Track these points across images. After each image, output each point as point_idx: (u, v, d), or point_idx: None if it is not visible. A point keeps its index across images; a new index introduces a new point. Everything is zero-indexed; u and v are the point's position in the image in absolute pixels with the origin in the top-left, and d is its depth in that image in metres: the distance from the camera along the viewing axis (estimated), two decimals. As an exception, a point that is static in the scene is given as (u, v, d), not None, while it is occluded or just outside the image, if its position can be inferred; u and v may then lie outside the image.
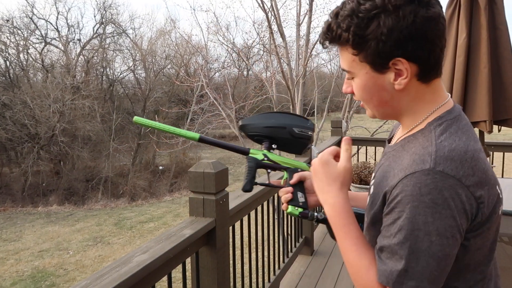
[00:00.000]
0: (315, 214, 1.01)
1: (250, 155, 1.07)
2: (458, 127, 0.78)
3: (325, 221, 0.99)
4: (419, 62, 0.76)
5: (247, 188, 1.04)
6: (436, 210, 0.68)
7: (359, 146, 5.79)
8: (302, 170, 1.08)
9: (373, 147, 4.95)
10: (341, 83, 14.69)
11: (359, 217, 0.95)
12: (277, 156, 1.08)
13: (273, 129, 1.05)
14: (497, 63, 2.74)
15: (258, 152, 1.08)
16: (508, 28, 2.74)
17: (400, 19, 0.72)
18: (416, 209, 0.69)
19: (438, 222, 0.68)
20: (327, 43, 0.83)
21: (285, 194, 1.02)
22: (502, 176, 4.00)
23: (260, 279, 2.54)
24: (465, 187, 0.70)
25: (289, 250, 3.16)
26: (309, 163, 1.08)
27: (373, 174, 0.94)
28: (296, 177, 1.04)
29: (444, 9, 3.03)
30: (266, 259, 2.63)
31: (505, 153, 3.96)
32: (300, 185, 1.04)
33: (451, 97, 0.87)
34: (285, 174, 1.08)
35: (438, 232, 0.69)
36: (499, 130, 2.84)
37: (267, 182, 1.12)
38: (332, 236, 0.92)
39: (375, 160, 4.84)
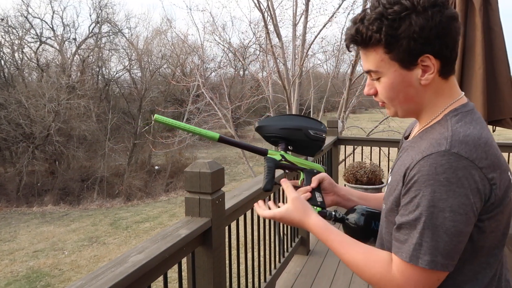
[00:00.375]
0: (333, 212, 1.05)
1: (268, 155, 1.09)
2: (472, 118, 0.84)
3: (343, 220, 1.04)
4: (443, 58, 0.83)
5: (268, 188, 1.06)
6: (450, 188, 0.73)
7: (355, 146, 5.81)
8: (318, 171, 1.11)
9: (369, 147, 4.97)
10: (337, 83, 14.75)
11: (375, 216, 1.00)
12: (294, 157, 1.10)
13: (290, 131, 1.08)
14: (491, 64, 2.76)
15: (276, 153, 1.10)
16: (502, 29, 2.76)
17: (429, 19, 0.79)
18: (432, 187, 0.74)
19: (452, 199, 0.73)
20: (353, 45, 0.88)
21: (304, 193, 1.06)
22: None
23: (256, 279, 2.54)
24: (478, 169, 0.74)
25: (285, 250, 3.17)
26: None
27: (391, 170, 0.98)
28: (315, 181, 1.08)
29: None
30: (262, 259, 2.63)
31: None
32: (317, 187, 1.08)
33: None
34: (301, 175, 1.11)
35: (452, 209, 0.73)
36: (493, 130, 2.86)
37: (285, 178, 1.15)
38: (356, 238, 0.97)
39: (370, 160, 4.85)
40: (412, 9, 0.79)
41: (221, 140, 1.08)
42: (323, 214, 1.04)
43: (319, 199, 1.06)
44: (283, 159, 1.09)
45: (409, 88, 0.85)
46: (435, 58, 0.82)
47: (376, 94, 0.90)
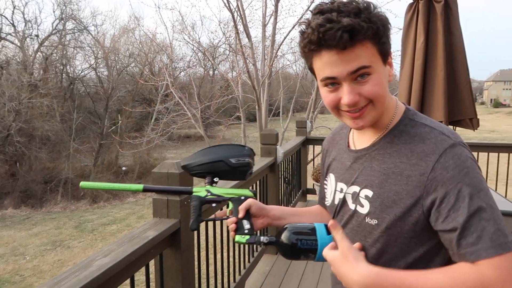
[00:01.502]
0: (261, 238, 1.02)
1: (193, 193, 1.10)
2: (423, 115, 0.91)
3: (272, 243, 1.01)
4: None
5: (193, 227, 1.06)
6: (476, 170, 0.78)
7: (324, 146, 5.90)
8: (246, 197, 1.10)
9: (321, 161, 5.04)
10: (306, 84, 14.94)
11: (303, 233, 0.95)
12: (220, 189, 1.10)
13: (211, 165, 1.09)
14: (452, 66, 2.87)
15: (201, 189, 1.10)
16: (462, 33, 2.88)
17: (385, 17, 0.84)
18: (468, 175, 0.76)
19: (482, 179, 0.78)
20: (341, 43, 0.78)
21: (230, 224, 1.05)
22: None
23: (225, 280, 2.53)
24: (472, 154, 0.81)
25: (255, 250, 3.18)
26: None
27: (342, 181, 0.95)
28: (242, 210, 1.06)
29: (403, 14, 3.15)
30: (231, 259, 2.63)
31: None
32: (246, 215, 1.07)
33: (410, 98, 0.95)
34: (230, 205, 1.10)
35: (486, 187, 0.78)
36: (454, 130, 2.98)
37: (212, 216, 1.16)
38: (284, 255, 0.95)
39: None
40: (384, 16, 0.83)
41: (146, 189, 1.11)
42: (251, 241, 1.03)
43: (246, 226, 1.04)
44: (208, 194, 1.09)
45: (387, 85, 0.86)
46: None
47: (359, 100, 0.82)
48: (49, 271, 9.19)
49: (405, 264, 0.85)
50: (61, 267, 9.33)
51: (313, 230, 0.96)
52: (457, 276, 0.74)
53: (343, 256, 0.82)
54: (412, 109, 0.91)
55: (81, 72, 24.24)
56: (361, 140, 0.95)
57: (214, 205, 1.12)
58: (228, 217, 1.08)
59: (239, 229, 1.04)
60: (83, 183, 1.06)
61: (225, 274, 2.52)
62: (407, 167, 0.81)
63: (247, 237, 1.03)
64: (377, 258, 0.88)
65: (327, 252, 0.88)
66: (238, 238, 1.04)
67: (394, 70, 0.89)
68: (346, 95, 0.82)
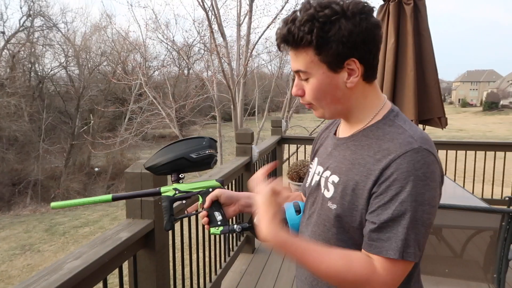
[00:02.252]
0: (235, 227, 1.06)
1: (162, 194, 1.10)
2: (406, 118, 0.91)
3: (245, 229, 1.05)
4: (366, 63, 0.87)
5: (168, 228, 1.08)
6: (426, 182, 0.77)
7: (298, 145, 5.95)
8: (214, 188, 1.11)
9: (312, 146, 5.10)
10: (281, 83, 15.03)
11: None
12: (187, 185, 1.11)
13: (173, 163, 1.09)
14: (421, 67, 2.96)
15: (168, 188, 1.11)
16: (430, 35, 2.97)
17: (357, 25, 0.82)
18: (413, 183, 0.77)
19: (428, 193, 0.78)
20: (283, 45, 0.88)
21: (203, 218, 1.07)
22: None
23: (201, 280, 2.51)
24: (438, 163, 0.81)
25: (231, 249, 3.17)
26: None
27: (321, 165, 0.99)
28: (208, 201, 1.08)
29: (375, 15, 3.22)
30: (207, 259, 2.61)
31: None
32: (215, 205, 1.08)
33: None
34: (200, 199, 1.11)
35: (429, 202, 0.78)
36: (423, 129, 3.07)
37: (184, 213, 1.16)
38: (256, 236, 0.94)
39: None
40: (341, 14, 0.82)
41: (115, 199, 1.10)
42: (225, 231, 1.06)
43: (218, 218, 1.07)
44: (176, 192, 1.10)
45: (336, 90, 0.88)
46: (359, 63, 0.86)
47: (303, 95, 0.92)
48: (18, 276, 8.89)
49: None
50: (30, 271, 9.04)
51: (283, 213, 1.01)
52: (351, 262, 0.81)
53: (266, 206, 0.88)
54: (397, 111, 0.92)
55: (51, 70, 23.54)
56: (344, 130, 0.99)
57: (184, 201, 1.14)
58: (199, 212, 1.10)
59: (212, 222, 1.07)
60: (53, 204, 1.07)
61: (201, 274, 2.50)
62: (371, 161, 0.84)
63: (221, 228, 1.06)
64: (330, 242, 0.92)
65: (258, 198, 0.92)
66: (212, 230, 1.07)
67: (358, 76, 0.87)
68: (293, 87, 0.93)
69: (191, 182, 1.12)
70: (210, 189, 1.11)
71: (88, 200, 1.08)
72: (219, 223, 1.06)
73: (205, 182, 1.12)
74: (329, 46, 0.83)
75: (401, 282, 0.81)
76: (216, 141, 1.15)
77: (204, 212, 1.08)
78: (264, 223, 0.86)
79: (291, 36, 0.85)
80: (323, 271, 0.82)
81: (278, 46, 0.90)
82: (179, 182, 1.12)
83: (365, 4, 0.85)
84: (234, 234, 3.29)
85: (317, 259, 0.82)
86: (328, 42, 0.83)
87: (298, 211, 1.02)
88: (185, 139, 1.11)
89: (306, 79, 0.89)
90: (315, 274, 0.84)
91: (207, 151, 1.10)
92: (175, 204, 1.13)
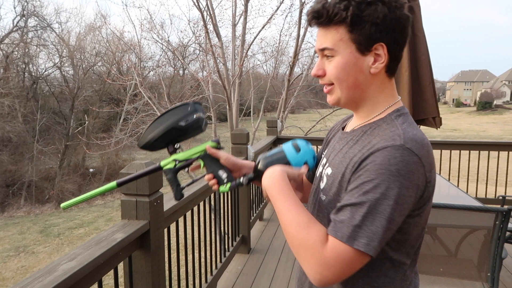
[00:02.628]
0: (241, 180, 1.09)
1: (164, 169, 1.11)
2: (412, 121, 0.90)
3: (252, 179, 1.09)
4: (392, 53, 0.87)
5: (178, 197, 1.11)
6: (398, 179, 0.77)
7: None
8: (212, 148, 1.13)
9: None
10: (276, 84, 15.04)
11: (277, 160, 1.05)
12: (184, 153, 1.12)
13: (165, 135, 1.09)
14: (416, 67, 2.97)
15: (168, 161, 1.11)
16: (425, 35, 2.99)
17: (391, 11, 0.84)
18: (383, 176, 0.77)
19: (397, 189, 0.77)
20: (316, 21, 0.89)
21: (209, 180, 1.10)
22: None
23: (197, 280, 2.51)
24: (423, 166, 0.79)
25: (226, 249, 3.17)
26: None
27: (325, 157, 1.01)
28: (215, 155, 1.10)
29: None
30: (203, 259, 2.61)
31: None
32: (217, 164, 1.11)
33: None
34: (201, 163, 1.12)
35: (396, 198, 0.77)
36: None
37: (191, 180, 1.19)
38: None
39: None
40: (380, 0, 0.84)
41: (119, 184, 1.11)
42: (233, 186, 1.09)
43: (223, 175, 1.10)
44: (177, 162, 1.11)
45: (359, 74, 0.88)
46: (387, 50, 0.86)
47: (323, 75, 0.91)
48: (12, 278, 8.83)
49: None
50: (25, 273, 8.99)
51: (282, 153, 1.05)
52: (312, 225, 0.83)
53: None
54: (402, 112, 0.91)
55: (45, 71, 23.42)
56: (350, 125, 1.01)
57: (186, 170, 1.14)
58: (203, 175, 1.13)
59: (219, 181, 1.10)
60: (63, 205, 1.07)
61: (197, 274, 2.50)
62: (358, 155, 0.85)
63: (228, 184, 1.09)
64: None
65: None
66: (221, 188, 1.10)
67: (384, 63, 0.87)
68: (314, 67, 0.93)
69: (188, 150, 1.13)
70: (207, 146, 1.13)
71: (94, 192, 1.08)
72: (225, 180, 1.09)
73: (202, 146, 1.13)
74: (362, 25, 0.84)
75: (349, 271, 0.79)
76: (201, 104, 1.14)
77: (210, 175, 1.10)
78: (273, 169, 0.95)
79: (326, 12, 0.85)
80: (288, 218, 0.85)
81: (309, 22, 0.90)
82: (176, 153, 1.12)
83: None
84: (230, 235, 3.28)
85: (290, 206, 0.87)
86: (362, 21, 0.83)
87: (297, 149, 1.05)
88: (169, 110, 1.10)
89: (331, 57, 0.89)
90: (281, 218, 0.87)
91: (194, 116, 1.09)
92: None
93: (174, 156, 1.11)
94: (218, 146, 1.13)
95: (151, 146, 1.10)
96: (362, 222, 0.77)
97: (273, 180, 0.93)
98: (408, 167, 0.77)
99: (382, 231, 0.76)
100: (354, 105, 0.94)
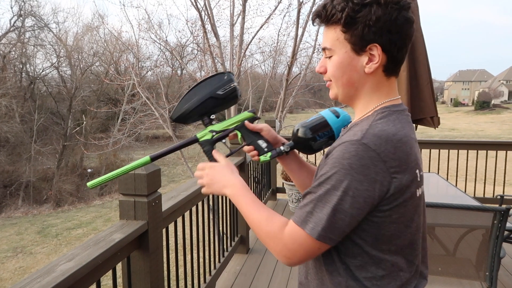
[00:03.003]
0: (282, 148, 1.10)
1: (200, 140, 1.09)
2: (397, 117, 0.90)
3: (293, 147, 1.11)
4: (389, 55, 0.89)
5: None
6: (349, 172, 0.80)
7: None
8: (249, 120, 1.12)
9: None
10: (274, 83, 15.05)
11: (316, 128, 1.08)
12: (221, 123, 1.11)
13: (201, 106, 1.06)
14: (414, 67, 2.97)
15: (205, 132, 1.10)
16: (423, 35, 2.99)
17: (386, 13, 0.86)
18: (335, 169, 0.82)
19: (348, 182, 0.80)
20: (317, 20, 0.95)
21: (248, 151, 1.11)
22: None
23: (196, 281, 2.51)
24: (382, 161, 0.81)
25: (225, 250, 3.17)
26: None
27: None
28: (253, 128, 1.11)
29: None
30: (201, 259, 2.61)
31: (422, 150, 4.32)
32: (255, 135, 1.11)
33: None
34: (238, 134, 1.12)
35: (345, 190, 0.81)
36: (415, 129, 3.08)
37: (229, 152, 1.18)
38: (306, 152, 1.09)
39: (307, 158, 5.01)
40: (375, 1, 0.86)
41: (154, 158, 1.08)
42: (275, 155, 1.10)
43: (263, 145, 1.10)
44: (214, 133, 1.09)
45: (354, 73, 0.92)
46: (382, 51, 0.88)
47: (325, 72, 0.97)
48: (10, 279, 8.80)
49: None
50: (22, 274, 8.96)
51: (323, 118, 1.07)
52: (275, 219, 0.93)
53: (227, 164, 1.06)
54: (391, 109, 0.92)
55: (42, 71, 23.36)
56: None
57: (224, 141, 1.13)
58: (242, 146, 1.13)
59: (259, 151, 1.10)
60: (90, 183, 1.05)
61: (195, 275, 2.50)
62: (329, 149, 0.90)
63: (269, 154, 1.10)
64: None
65: (217, 155, 1.08)
66: (262, 158, 1.11)
67: (378, 63, 0.89)
68: (318, 64, 0.99)
69: (224, 121, 1.11)
70: (246, 121, 1.11)
71: (126, 168, 1.07)
72: (265, 149, 1.09)
73: (238, 116, 1.11)
74: (355, 26, 0.87)
75: (305, 253, 0.86)
76: (233, 74, 1.12)
77: (250, 147, 1.11)
78: (232, 171, 1.04)
79: (324, 12, 0.91)
80: (250, 218, 0.96)
81: (313, 20, 0.96)
82: (212, 124, 1.10)
83: None
84: (229, 235, 3.28)
85: (252, 207, 0.97)
86: (355, 22, 0.87)
87: (337, 115, 1.07)
88: (204, 80, 1.08)
89: (330, 57, 0.94)
90: (247, 220, 0.98)
91: (231, 85, 1.09)
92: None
93: (211, 127, 1.09)
94: (255, 117, 1.12)
95: (186, 118, 1.08)
96: (313, 208, 0.84)
97: (233, 187, 1.02)
98: (361, 162, 0.80)
99: (326, 218, 0.82)
100: (351, 102, 0.98)
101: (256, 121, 1.15)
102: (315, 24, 0.97)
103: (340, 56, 0.91)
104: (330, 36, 0.92)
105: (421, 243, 1.00)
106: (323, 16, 0.92)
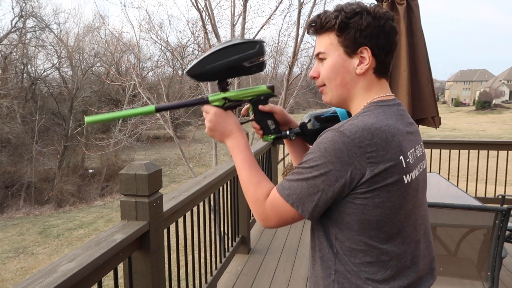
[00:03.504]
0: (287, 133, 1.12)
1: (211, 104, 1.07)
2: (383, 110, 0.96)
3: (299, 134, 1.13)
4: (378, 58, 0.98)
5: None
6: (324, 155, 0.89)
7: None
8: (265, 96, 1.10)
9: (306, 146, 5.11)
10: (275, 83, 15.06)
11: (328, 119, 1.12)
12: (236, 92, 1.07)
13: (224, 71, 1.03)
14: (414, 66, 2.97)
15: (218, 97, 1.07)
16: (423, 34, 2.99)
17: (376, 20, 0.96)
18: (314, 153, 0.91)
19: (321, 162, 0.89)
20: (312, 29, 1.03)
21: (255, 128, 1.15)
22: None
23: (197, 281, 2.51)
24: (357, 147, 0.87)
25: (226, 250, 3.17)
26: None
27: None
28: (266, 108, 1.12)
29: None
30: (203, 260, 2.61)
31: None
32: (267, 113, 1.11)
33: None
34: (250, 107, 1.10)
35: (318, 168, 0.90)
36: (417, 129, 3.08)
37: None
38: (307, 141, 1.15)
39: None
40: (365, 10, 0.97)
41: (158, 110, 1.06)
42: (279, 137, 1.12)
43: (272, 126, 1.10)
44: (226, 101, 1.06)
45: (346, 74, 0.99)
46: (372, 54, 0.97)
47: (318, 77, 1.03)
48: (12, 280, 8.81)
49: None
50: (24, 275, 8.98)
51: (335, 114, 1.10)
52: (264, 183, 1.02)
53: (228, 114, 1.09)
54: (374, 105, 0.98)
55: (44, 72, 23.40)
56: None
57: (234, 111, 1.11)
58: (251, 119, 1.12)
59: (265, 130, 1.11)
60: (88, 118, 1.04)
61: (196, 275, 2.50)
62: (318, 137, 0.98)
63: (273, 136, 1.11)
64: None
65: (212, 108, 1.09)
66: (265, 137, 1.12)
67: (369, 65, 0.97)
68: (311, 70, 1.06)
69: (241, 89, 1.08)
70: (262, 97, 1.09)
71: (128, 112, 1.05)
72: (272, 131, 1.10)
73: (255, 89, 1.08)
74: (348, 31, 0.97)
75: (280, 218, 0.96)
76: (264, 41, 1.06)
77: (256, 126, 1.12)
78: (236, 123, 1.08)
79: (319, 20, 1.00)
80: (243, 176, 1.04)
81: (308, 30, 1.05)
82: (227, 90, 1.07)
83: (389, 12, 1.00)
84: (230, 235, 3.28)
85: (246, 167, 1.04)
86: (348, 27, 0.97)
87: (350, 114, 1.10)
88: (233, 45, 1.03)
89: (323, 60, 1.01)
90: (239, 176, 1.05)
91: (260, 59, 1.05)
92: None
93: (225, 94, 1.06)
94: (272, 93, 1.09)
95: (201, 77, 1.06)
96: (292, 181, 0.94)
97: (234, 139, 1.07)
98: (335, 146, 0.88)
99: (301, 189, 0.92)
100: (345, 104, 1.04)
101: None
102: (309, 33, 1.04)
103: (334, 59, 0.99)
104: (324, 42, 1.00)
105: (426, 238, 1.02)
106: (318, 24, 1.00)
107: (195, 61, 1.05)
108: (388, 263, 0.93)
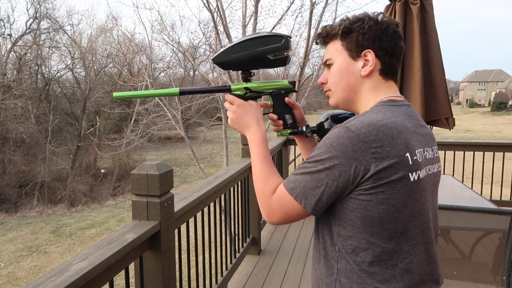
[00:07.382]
0: (304, 128, 1.13)
1: (232, 92, 1.09)
2: (390, 109, 0.97)
3: (314, 131, 1.15)
4: (382, 60, 1.01)
5: None
6: (329, 149, 0.91)
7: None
8: (286, 90, 1.14)
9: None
10: (286, 84, 15.05)
11: (344, 119, 1.11)
12: (258, 84, 1.10)
13: (247, 62, 1.06)
14: (428, 67, 2.93)
15: (239, 87, 1.09)
16: (437, 35, 2.95)
17: (378, 24, 1.00)
18: (320, 149, 0.93)
19: (326, 156, 0.91)
20: (320, 39, 1.08)
21: (273, 120, 1.17)
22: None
23: (207, 281, 2.51)
24: (362, 142, 0.88)
25: (237, 251, 3.17)
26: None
27: None
28: (286, 102, 1.15)
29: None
30: (213, 260, 2.61)
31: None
32: (286, 108, 1.12)
33: None
34: (270, 100, 1.12)
35: (322, 162, 0.91)
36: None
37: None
38: (319, 135, 1.17)
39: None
40: (367, 16, 1.01)
41: (182, 93, 1.09)
42: (295, 133, 1.14)
43: (289, 121, 1.12)
44: (247, 91, 1.09)
45: (351, 76, 1.02)
46: (375, 56, 1.00)
47: (326, 83, 1.07)
48: (25, 278, 8.95)
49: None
50: (37, 273, 9.10)
51: (353, 115, 1.10)
52: (274, 177, 1.03)
53: (257, 107, 1.11)
54: (383, 104, 0.99)
55: (57, 72, 23.73)
56: None
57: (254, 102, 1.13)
58: (269, 112, 1.14)
59: (283, 124, 1.13)
60: (116, 94, 1.10)
61: (207, 276, 2.50)
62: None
63: (290, 130, 1.13)
64: None
65: (236, 99, 1.11)
66: (281, 131, 1.14)
67: (373, 66, 1.00)
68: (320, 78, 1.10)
69: (262, 82, 1.11)
70: (282, 91, 1.11)
71: (153, 92, 1.09)
72: (289, 125, 1.12)
73: (277, 82, 1.11)
74: (351, 35, 1.01)
75: (284, 213, 0.97)
76: (290, 37, 1.11)
77: (275, 116, 1.14)
78: (259, 118, 1.11)
79: (325, 30, 1.06)
80: (256, 170, 1.06)
81: (316, 42, 1.10)
82: (250, 81, 1.09)
83: (393, 19, 1.03)
84: (241, 236, 3.28)
85: (260, 161, 1.06)
86: (351, 31, 1.01)
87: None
88: (261, 36, 1.07)
89: (331, 66, 1.05)
90: (252, 169, 1.07)
91: (284, 53, 1.08)
92: None
93: (246, 85, 1.09)
94: (292, 89, 1.12)
95: (226, 66, 1.09)
96: (297, 173, 0.96)
97: (254, 133, 1.09)
98: (340, 141, 0.89)
99: (305, 182, 0.93)
100: (352, 106, 1.06)
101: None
102: (317, 43, 1.09)
103: (339, 63, 1.03)
104: (330, 49, 1.05)
105: (432, 244, 1.00)
106: (324, 33, 1.05)
107: (221, 49, 1.08)
108: (389, 263, 0.92)
